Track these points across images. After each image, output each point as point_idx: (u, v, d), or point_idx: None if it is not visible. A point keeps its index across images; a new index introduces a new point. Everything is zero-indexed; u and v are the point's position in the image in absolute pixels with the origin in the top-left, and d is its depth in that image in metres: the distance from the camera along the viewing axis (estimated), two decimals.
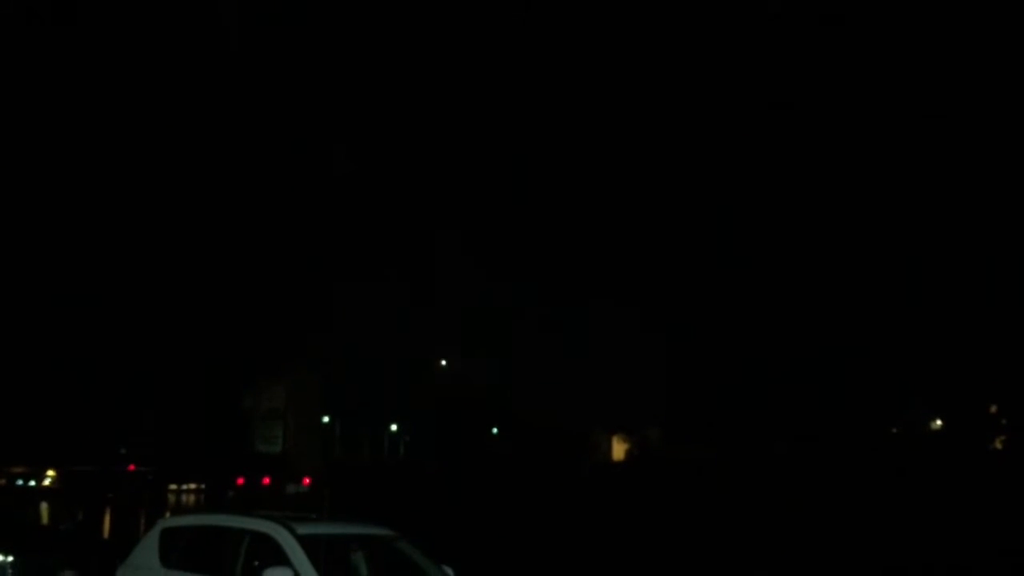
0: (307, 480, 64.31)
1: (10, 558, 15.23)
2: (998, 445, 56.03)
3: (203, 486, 68.71)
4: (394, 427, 79.54)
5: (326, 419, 76.23)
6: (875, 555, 26.76)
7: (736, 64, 62.99)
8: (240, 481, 64.87)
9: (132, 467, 64.19)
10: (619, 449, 73.57)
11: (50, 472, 61.93)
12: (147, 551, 10.37)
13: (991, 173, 54.52)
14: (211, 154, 63.78)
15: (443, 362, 77.18)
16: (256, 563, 9.33)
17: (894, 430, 59.57)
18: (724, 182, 60.80)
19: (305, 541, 9.22)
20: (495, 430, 75.94)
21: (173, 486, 68.24)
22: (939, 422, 59.85)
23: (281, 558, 9.06)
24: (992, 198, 54.50)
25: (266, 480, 64.83)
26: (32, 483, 60.52)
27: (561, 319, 67.91)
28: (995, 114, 53.95)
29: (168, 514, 30.59)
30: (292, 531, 9.31)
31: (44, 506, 47.37)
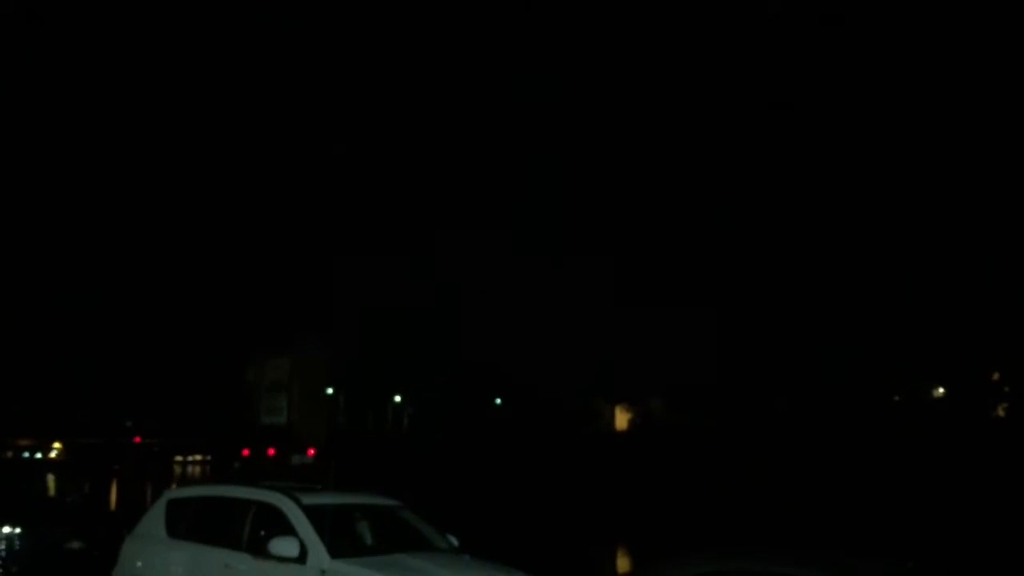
0: (312, 451, 64.65)
1: (18, 530, 15.34)
2: (1001, 412, 56.11)
3: (209, 457, 69.13)
4: (398, 398, 79.80)
5: (330, 391, 76.46)
6: (874, 519, 26.91)
7: (736, 64, 62.52)
8: (245, 452, 65.22)
9: (138, 439, 64.54)
10: (622, 419, 73.77)
11: (56, 444, 62.29)
12: (154, 522, 10.43)
13: (989, 157, 54.52)
14: (221, 139, 63.54)
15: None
16: (262, 533, 9.38)
17: (896, 398, 59.64)
18: (731, 164, 60.60)
19: (310, 511, 9.27)
20: (498, 401, 76.16)
21: (179, 457, 68.68)
22: (941, 390, 59.89)
23: (286, 528, 9.11)
24: (990, 177, 54.48)
25: (271, 451, 65.17)
26: (39, 455, 60.91)
27: (565, 292, 67.95)
28: (990, 107, 53.85)
29: (174, 485, 30.78)
30: (297, 501, 9.35)
31: (51, 478, 47.70)
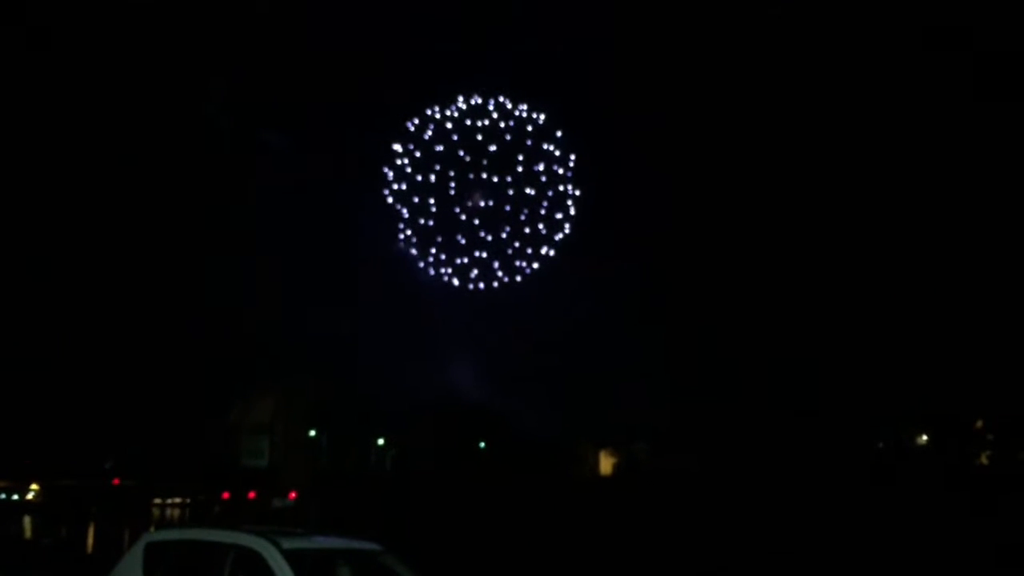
0: (293, 494, 64.02)
1: None
2: (984, 460, 56.35)
3: (188, 500, 68.33)
4: (381, 441, 79.33)
5: (313, 432, 75.96)
6: (857, 565, 26.88)
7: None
8: (226, 495, 64.53)
9: (116, 481, 63.75)
10: (606, 463, 73.56)
11: (33, 486, 61.50)
12: (131, 566, 10.30)
13: (981, 186, 55.06)
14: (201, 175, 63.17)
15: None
16: None
17: (880, 445, 59.81)
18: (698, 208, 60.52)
19: (291, 556, 9.19)
20: (482, 444, 75.86)
21: (158, 500, 67.80)
22: (924, 437, 60.10)
23: (267, 573, 9.02)
24: (979, 214, 55.05)
25: (252, 494, 64.52)
26: (15, 497, 60.08)
27: (550, 335, 67.93)
28: (993, 120, 54.06)
29: (153, 529, 30.41)
30: (278, 546, 9.28)
31: (27, 521, 47.00)
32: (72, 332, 62.75)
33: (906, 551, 30.63)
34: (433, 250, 57.25)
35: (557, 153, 57.04)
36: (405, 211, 57.64)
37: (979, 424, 57.19)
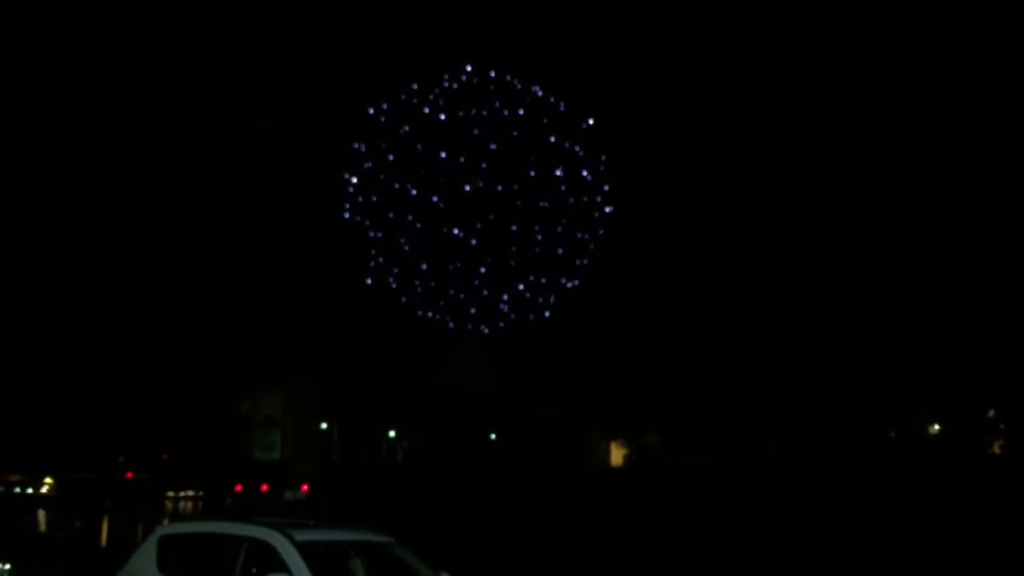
0: (305, 487, 64.28)
1: (7, 566, 15.24)
2: (996, 450, 56.14)
3: (201, 493, 68.63)
4: (392, 433, 79.49)
5: (324, 425, 76.19)
6: (869, 555, 26.84)
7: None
8: (238, 488, 64.83)
9: (130, 475, 64.08)
10: (617, 454, 73.57)
11: (48, 480, 61.88)
12: (145, 559, 10.36)
13: (990, 181, 54.88)
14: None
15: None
16: (254, 570, 9.34)
17: (892, 434, 59.65)
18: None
19: (303, 548, 9.23)
20: (493, 436, 75.90)
21: (171, 493, 68.13)
22: (936, 427, 59.91)
23: (279, 565, 9.07)
24: (990, 206, 54.87)
25: (264, 487, 64.79)
26: (30, 491, 60.44)
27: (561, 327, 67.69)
28: (995, 114, 53.81)
29: (166, 521, 30.54)
30: (290, 538, 9.32)
31: (42, 514, 47.23)
32: (85, 330, 63.08)
33: (919, 539, 30.58)
34: (417, 282, 40.09)
35: (582, 153, 43.82)
36: (375, 231, 40.44)
37: (991, 413, 56.96)
